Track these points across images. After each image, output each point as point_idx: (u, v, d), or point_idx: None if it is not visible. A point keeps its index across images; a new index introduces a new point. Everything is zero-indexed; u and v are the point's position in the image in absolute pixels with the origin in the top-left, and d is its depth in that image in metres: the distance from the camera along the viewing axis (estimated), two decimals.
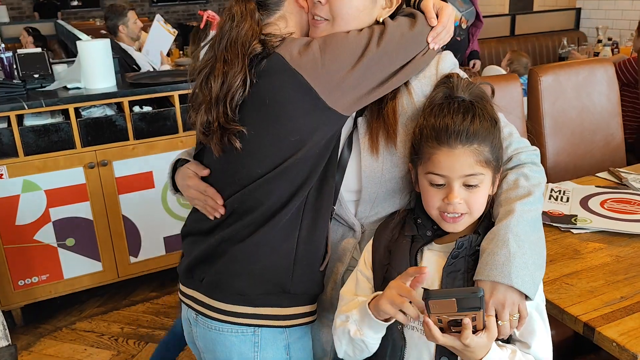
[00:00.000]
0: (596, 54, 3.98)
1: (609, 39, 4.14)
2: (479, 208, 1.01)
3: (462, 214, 0.99)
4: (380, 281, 1.05)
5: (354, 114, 1.11)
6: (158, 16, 3.89)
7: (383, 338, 1.01)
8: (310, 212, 1.09)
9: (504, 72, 3.25)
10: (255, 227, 1.06)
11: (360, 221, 1.17)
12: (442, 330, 0.89)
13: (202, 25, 3.45)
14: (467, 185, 0.98)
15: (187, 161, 1.20)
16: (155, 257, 2.80)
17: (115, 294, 2.86)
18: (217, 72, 1.01)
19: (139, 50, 3.89)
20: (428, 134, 1.00)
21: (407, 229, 1.07)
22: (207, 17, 3.01)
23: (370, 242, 1.12)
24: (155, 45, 3.80)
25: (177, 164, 1.23)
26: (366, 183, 1.11)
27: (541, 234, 1.02)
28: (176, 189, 1.24)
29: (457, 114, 0.98)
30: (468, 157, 0.97)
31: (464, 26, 3.19)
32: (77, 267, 2.64)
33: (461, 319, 0.86)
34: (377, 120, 1.10)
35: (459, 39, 3.09)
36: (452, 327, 0.88)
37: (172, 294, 2.83)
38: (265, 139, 1.03)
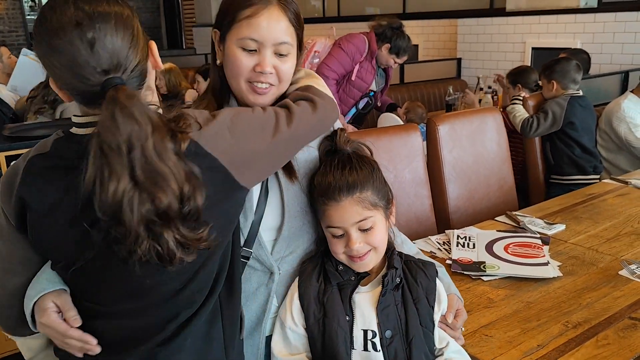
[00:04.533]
0: (479, 101, 4.27)
1: (489, 87, 4.48)
2: (380, 244, 1.12)
3: (366, 253, 1.11)
4: (320, 336, 1.11)
5: None
6: (25, 50, 3.67)
7: None
8: (225, 285, 1.01)
9: (399, 119, 3.37)
10: (180, 329, 0.94)
11: (277, 262, 1.17)
12: None
13: None
14: (362, 230, 1.09)
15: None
16: None
17: None
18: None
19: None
20: (318, 193, 1.12)
21: (331, 278, 1.14)
22: None
23: (295, 298, 1.13)
24: (25, 80, 3.53)
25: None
26: (288, 216, 1.16)
27: None
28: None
29: (337, 170, 1.10)
30: (354, 206, 1.08)
31: (379, 104, 3.56)
32: None
33: None
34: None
35: (370, 102, 3.45)
36: None
37: None
38: None
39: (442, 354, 1.13)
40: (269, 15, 1.08)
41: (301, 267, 1.18)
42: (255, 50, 1.09)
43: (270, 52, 1.10)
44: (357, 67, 3.21)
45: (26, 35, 9.74)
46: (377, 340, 1.09)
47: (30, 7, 9.87)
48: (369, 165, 1.12)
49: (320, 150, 1.20)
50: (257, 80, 1.11)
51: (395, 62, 3.35)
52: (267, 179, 1.16)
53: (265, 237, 1.16)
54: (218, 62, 1.16)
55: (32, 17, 9.82)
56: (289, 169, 1.16)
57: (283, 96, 1.15)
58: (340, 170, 1.10)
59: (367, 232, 1.10)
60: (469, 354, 1.20)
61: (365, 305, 1.11)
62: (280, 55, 1.11)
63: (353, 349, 1.10)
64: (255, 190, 1.15)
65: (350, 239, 1.09)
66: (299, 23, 1.14)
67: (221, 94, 1.19)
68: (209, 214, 0.87)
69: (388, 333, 1.09)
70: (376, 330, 1.09)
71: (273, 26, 1.08)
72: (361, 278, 1.14)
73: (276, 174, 1.16)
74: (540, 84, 3.04)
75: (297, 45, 1.15)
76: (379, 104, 3.57)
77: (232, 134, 0.94)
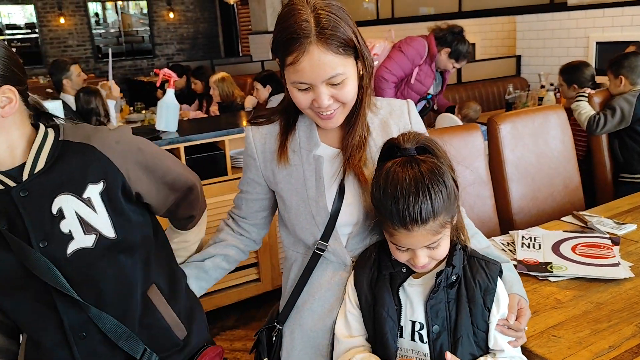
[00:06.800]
0: (540, 99, 4.16)
1: (551, 84, 4.35)
2: (443, 256, 1.11)
3: (429, 263, 1.10)
4: (371, 321, 1.15)
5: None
6: None
7: None
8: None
9: (457, 120, 3.34)
10: None
11: (350, 254, 1.25)
12: None
13: (158, 83, 3.43)
14: (430, 248, 1.07)
15: None
16: None
17: None
18: None
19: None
20: (386, 215, 1.05)
21: (383, 268, 1.15)
22: (164, 75, 2.98)
23: (352, 282, 1.20)
24: None
25: None
26: (365, 214, 1.21)
27: None
28: None
29: (409, 195, 1.01)
30: (426, 234, 1.04)
31: (435, 107, 3.58)
32: None
33: None
34: (356, 169, 1.22)
35: (427, 105, 3.47)
36: None
37: None
38: None
39: (493, 354, 1.12)
40: (309, 58, 1.07)
41: (359, 255, 1.23)
42: (310, 87, 1.12)
43: (323, 87, 1.11)
44: (416, 70, 3.21)
45: (93, 49, 10.27)
46: (424, 332, 1.11)
47: (96, 22, 10.38)
48: (441, 185, 1.03)
49: (383, 147, 1.15)
50: (318, 110, 1.15)
51: (453, 67, 3.33)
52: (345, 178, 1.21)
53: (341, 232, 1.23)
54: (287, 85, 1.20)
55: (98, 30, 10.34)
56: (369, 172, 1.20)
57: (357, 108, 1.20)
58: (414, 196, 1.01)
59: (433, 249, 1.08)
60: (537, 354, 1.19)
61: (415, 298, 1.13)
62: (335, 84, 1.12)
63: (401, 337, 1.13)
64: (329, 189, 1.22)
65: (416, 257, 1.07)
66: (350, 44, 1.11)
67: (293, 111, 1.25)
68: None
69: (435, 328, 1.10)
70: (424, 323, 1.11)
71: (317, 67, 1.08)
72: (413, 270, 1.14)
73: (356, 173, 1.21)
74: (608, 79, 2.93)
75: (355, 56, 1.14)
76: (435, 107, 3.56)
77: None
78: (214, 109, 4.56)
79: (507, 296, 1.15)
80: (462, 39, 3.25)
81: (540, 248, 1.69)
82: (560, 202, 2.30)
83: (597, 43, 4.66)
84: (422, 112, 3.42)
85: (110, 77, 4.16)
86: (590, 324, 1.29)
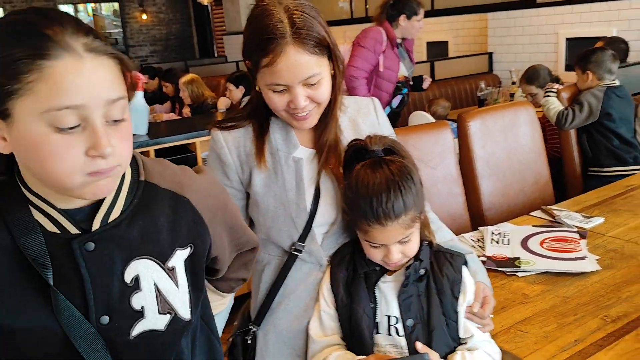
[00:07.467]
0: (512, 95, 4.21)
1: None
2: (414, 251, 1.15)
3: (401, 259, 1.14)
4: (347, 319, 1.18)
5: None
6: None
7: None
8: None
9: (430, 117, 3.36)
10: None
11: (325, 253, 1.25)
12: None
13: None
14: (402, 243, 1.11)
15: None
16: None
17: None
18: None
19: None
20: (360, 214, 1.10)
21: (359, 267, 1.18)
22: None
23: (328, 281, 1.21)
24: None
25: None
26: (341, 212, 1.21)
27: None
28: None
29: (382, 192, 1.07)
30: (399, 228, 1.09)
31: (409, 87, 3.52)
32: None
33: None
34: (334, 169, 1.23)
35: (405, 98, 3.40)
36: None
37: None
38: None
39: (465, 343, 1.16)
40: (286, 59, 1.07)
41: (333, 255, 1.25)
42: (286, 89, 1.12)
43: (300, 87, 1.11)
44: (381, 58, 3.21)
45: None
46: (399, 326, 1.14)
47: None
48: (410, 182, 1.09)
49: (349, 150, 1.18)
50: (294, 112, 1.15)
51: (419, 22, 3.29)
52: (321, 178, 1.21)
53: (317, 231, 1.24)
54: (257, 88, 1.18)
55: None
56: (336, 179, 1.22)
57: (330, 107, 1.21)
58: (386, 193, 1.07)
59: (405, 244, 1.12)
60: (504, 350, 1.20)
61: (389, 294, 1.16)
62: (311, 85, 1.13)
63: (378, 333, 1.16)
64: (308, 190, 1.22)
65: (390, 253, 1.11)
66: (324, 43, 1.12)
67: (265, 114, 1.23)
68: None
69: (409, 322, 1.13)
70: (399, 317, 1.14)
71: (293, 68, 1.08)
72: (386, 269, 1.18)
73: (334, 173, 1.22)
74: (575, 74, 2.98)
75: (328, 55, 1.15)
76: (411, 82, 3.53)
77: None
78: (187, 111, 4.51)
79: (473, 283, 1.19)
80: None
81: (509, 243, 1.70)
82: (531, 197, 2.32)
83: (567, 39, 4.73)
84: (398, 107, 3.40)
85: None
86: (557, 318, 1.30)
